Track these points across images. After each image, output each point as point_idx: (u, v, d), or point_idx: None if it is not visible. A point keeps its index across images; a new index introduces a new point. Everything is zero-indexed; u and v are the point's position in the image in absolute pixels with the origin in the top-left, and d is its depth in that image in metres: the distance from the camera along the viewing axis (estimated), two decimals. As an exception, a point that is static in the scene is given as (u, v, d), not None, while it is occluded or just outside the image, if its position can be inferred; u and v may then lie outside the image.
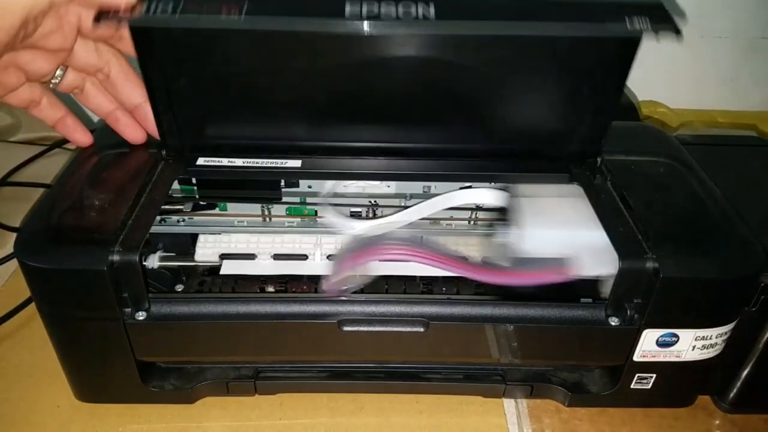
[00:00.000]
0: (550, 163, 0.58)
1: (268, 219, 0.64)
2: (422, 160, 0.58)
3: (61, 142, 0.91)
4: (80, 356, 0.54)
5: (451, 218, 0.65)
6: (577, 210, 0.54)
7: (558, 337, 0.52)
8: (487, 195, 0.60)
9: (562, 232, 0.51)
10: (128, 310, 0.50)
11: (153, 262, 0.60)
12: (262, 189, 0.62)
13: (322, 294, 0.53)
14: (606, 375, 0.57)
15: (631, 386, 0.55)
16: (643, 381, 0.55)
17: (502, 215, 0.59)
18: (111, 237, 0.49)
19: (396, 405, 0.58)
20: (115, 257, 0.48)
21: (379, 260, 0.52)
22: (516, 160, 0.59)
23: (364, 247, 0.52)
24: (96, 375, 0.55)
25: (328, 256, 0.61)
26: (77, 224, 0.50)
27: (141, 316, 0.50)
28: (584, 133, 0.56)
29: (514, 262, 0.52)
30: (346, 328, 0.51)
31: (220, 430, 0.55)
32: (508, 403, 0.58)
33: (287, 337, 0.52)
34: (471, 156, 0.59)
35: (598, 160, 0.59)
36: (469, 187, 0.60)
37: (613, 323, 0.51)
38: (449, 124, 0.58)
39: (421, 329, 0.51)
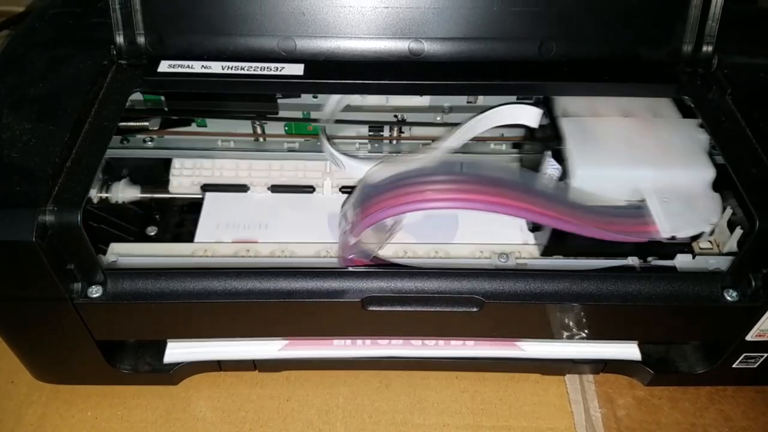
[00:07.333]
0: (648, 70, 0.43)
1: (261, 139, 0.51)
2: (467, 64, 0.43)
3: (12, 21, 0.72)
4: (26, 340, 0.41)
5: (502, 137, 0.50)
6: (655, 134, 0.42)
7: (654, 315, 0.39)
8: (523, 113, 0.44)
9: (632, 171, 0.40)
10: (77, 285, 0.37)
11: (117, 194, 0.48)
12: (251, 100, 0.47)
13: (337, 263, 0.39)
14: (701, 351, 0.45)
15: (734, 365, 0.43)
16: (750, 361, 0.43)
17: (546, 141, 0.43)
18: (41, 190, 0.34)
19: (430, 381, 0.46)
20: (48, 219, 0.34)
21: (413, 210, 0.38)
22: (600, 65, 0.43)
23: (385, 194, 0.37)
24: (51, 358, 0.43)
25: (341, 189, 0.48)
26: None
27: (95, 292, 0.37)
28: (690, 23, 0.43)
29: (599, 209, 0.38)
30: (371, 308, 0.38)
31: (212, 414, 0.45)
32: (571, 379, 0.47)
33: (293, 318, 0.39)
34: (536, 62, 0.43)
35: (714, 62, 0.43)
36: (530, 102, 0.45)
37: (729, 298, 0.38)
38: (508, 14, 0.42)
39: (474, 309, 0.38)
